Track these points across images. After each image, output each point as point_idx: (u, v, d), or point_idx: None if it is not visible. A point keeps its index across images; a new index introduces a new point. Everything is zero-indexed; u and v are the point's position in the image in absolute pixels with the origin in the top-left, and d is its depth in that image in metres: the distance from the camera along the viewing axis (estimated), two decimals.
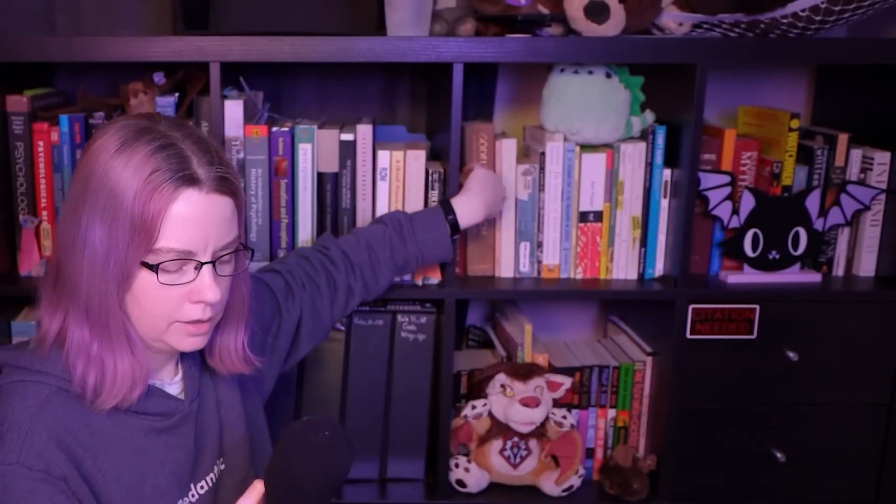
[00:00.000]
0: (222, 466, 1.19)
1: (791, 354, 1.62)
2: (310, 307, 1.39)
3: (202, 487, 1.16)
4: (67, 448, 1.03)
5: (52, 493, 1.00)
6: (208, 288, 1.04)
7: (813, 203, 1.65)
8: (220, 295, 1.06)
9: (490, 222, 1.64)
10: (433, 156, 1.70)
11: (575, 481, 1.68)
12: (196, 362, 1.18)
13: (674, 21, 1.60)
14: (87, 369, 1.04)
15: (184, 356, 1.17)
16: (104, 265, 1.01)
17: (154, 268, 1.02)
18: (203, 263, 1.04)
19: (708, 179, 1.60)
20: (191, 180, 1.02)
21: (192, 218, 1.02)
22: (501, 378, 1.66)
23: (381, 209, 1.61)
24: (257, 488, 1.00)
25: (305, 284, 1.39)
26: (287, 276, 1.38)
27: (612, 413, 1.74)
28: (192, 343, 1.09)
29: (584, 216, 1.65)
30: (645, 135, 1.64)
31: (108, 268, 1.01)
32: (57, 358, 1.06)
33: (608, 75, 1.60)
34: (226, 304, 1.13)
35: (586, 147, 1.63)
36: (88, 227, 1.02)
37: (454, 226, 1.50)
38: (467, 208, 1.51)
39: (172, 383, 1.15)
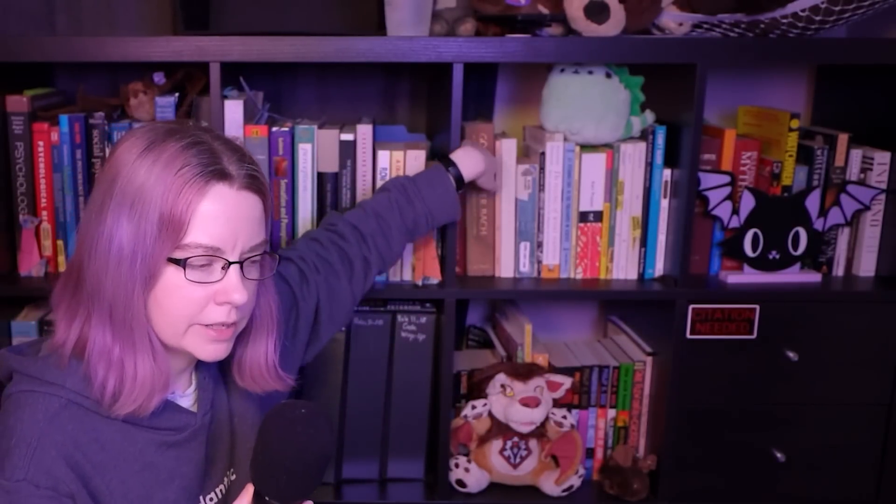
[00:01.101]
0: (233, 477, 1.18)
1: (791, 354, 1.62)
2: (326, 290, 1.35)
3: (212, 499, 1.14)
4: (76, 465, 1.01)
5: None
6: (235, 289, 1.02)
7: (813, 203, 1.65)
8: (247, 298, 1.03)
9: (490, 222, 1.64)
10: (433, 156, 1.70)
11: (575, 481, 1.68)
12: (211, 373, 1.16)
13: (674, 21, 1.60)
14: (107, 374, 1.02)
15: (199, 366, 1.14)
16: (131, 263, 0.99)
17: (182, 262, 0.99)
18: (231, 263, 1.02)
19: (708, 179, 1.60)
20: (221, 175, 1.01)
21: (222, 214, 1.00)
22: (501, 378, 1.66)
23: None
24: (249, 490, 0.99)
25: (319, 267, 1.35)
26: (299, 261, 1.34)
27: (612, 413, 1.74)
28: (212, 351, 1.05)
29: (584, 216, 1.65)
30: (645, 135, 1.64)
31: (136, 265, 0.99)
32: (72, 369, 1.04)
33: (608, 75, 1.60)
34: (252, 315, 1.11)
35: (586, 147, 1.63)
36: (115, 226, 1.00)
37: (458, 179, 1.48)
38: (467, 158, 1.49)
39: (185, 395, 1.13)
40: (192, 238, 0.99)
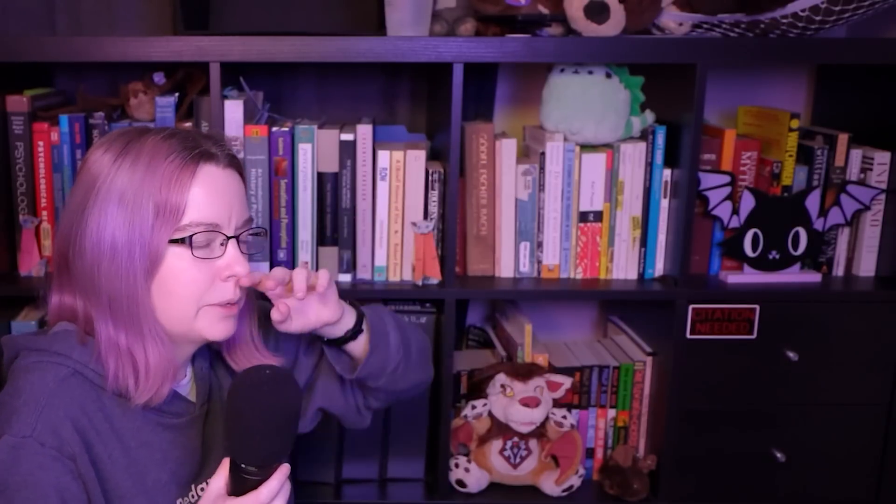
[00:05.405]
0: None
1: (791, 354, 1.62)
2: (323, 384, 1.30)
3: (202, 490, 1.15)
4: (82, 429, 1.03)
5: (60, 473, 1.00)
6: (237, 261, 1.06)
7: (813, 203, 1.64)
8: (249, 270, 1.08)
9: (490, 222, 1.64)
10: (433, 156, 1.70)
11: (575, 481, 1.68)
12: (206, 366, 1.19)
13: (674, 21, 1.60)
14: (119, 365, 1.05)
15: (195, 359, 1.17)
16: (129, 254, 1.03)
17: (186, 240, 1.03)
18: (228, 238, 1.06)
19: (708, 179, 1.60)
20: (207, 155, 1.06)
21: (215, 191, 1.06)
22: (501, 378, 1.66)
23: (381, 209, 1.60)
24: (225, 463, 1.01)
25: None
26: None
27: (612, 413, 1.74)
28: (222, 328, 1.09)
29: (584, 216, 1.65)
30: (645, 135, 1.64)
31: (134, 255, 1.03)
32: (76, 344, 1.06)
33: (608, 75, 1.60)
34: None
35: (586, 147, 1.63)
36: (102, 225, 1.03)
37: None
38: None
39: (182, 385, 1.15)
40: (191, 218, 1.04)
